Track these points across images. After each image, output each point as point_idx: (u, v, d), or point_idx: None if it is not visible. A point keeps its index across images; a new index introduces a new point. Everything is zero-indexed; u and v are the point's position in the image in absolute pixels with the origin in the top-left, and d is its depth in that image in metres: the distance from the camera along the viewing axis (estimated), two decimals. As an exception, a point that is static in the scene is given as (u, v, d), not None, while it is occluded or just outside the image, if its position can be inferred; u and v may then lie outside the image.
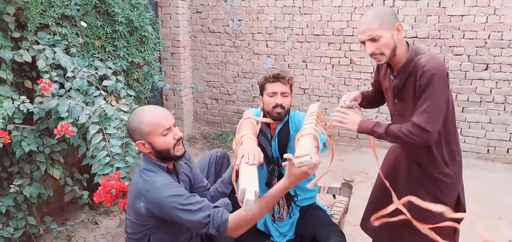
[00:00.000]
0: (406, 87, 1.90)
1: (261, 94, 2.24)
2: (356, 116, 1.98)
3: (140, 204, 1.69)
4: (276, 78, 2.17)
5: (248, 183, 1.54)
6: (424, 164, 1.97)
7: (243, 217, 1.61)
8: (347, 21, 4.66)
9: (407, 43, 1.94)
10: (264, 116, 2.25)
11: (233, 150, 2.03)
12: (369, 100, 2.28)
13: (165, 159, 1.76)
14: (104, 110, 2.46)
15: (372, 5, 4.50)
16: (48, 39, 2.75)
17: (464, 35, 4.25)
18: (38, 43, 2.68)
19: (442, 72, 1.78)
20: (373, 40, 1.84)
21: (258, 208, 1.61)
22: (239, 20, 5.15)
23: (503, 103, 4.28)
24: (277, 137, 2.25)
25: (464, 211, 2.11)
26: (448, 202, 1.97)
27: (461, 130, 4.49)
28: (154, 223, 1.75)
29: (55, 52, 2.66)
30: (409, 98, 1.89)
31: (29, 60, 2.57)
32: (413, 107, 1.85)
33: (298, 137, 1.82)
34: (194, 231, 1.88)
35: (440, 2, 4.28)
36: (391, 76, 2.00)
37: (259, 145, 2.05)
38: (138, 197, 1.70)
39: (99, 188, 2.11)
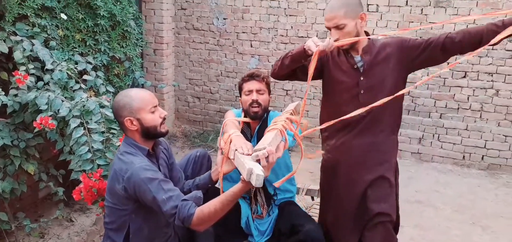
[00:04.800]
0: (380, 59, 2.02)
1: (240, 95, 2.32)
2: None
3: (118, 185, 1.73)
4: (251, 76, 2.28)
5: (252, 164, 1.64)
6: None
7: (206, 213, 1.65)
8: (331, 24, 4.70)
9: (366, 32, 2.06)
10: (245, 116, 2.30)
11: (214, 149, 2.06)
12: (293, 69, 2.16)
13: (151, 137, 1.84)
14: (85, 104, 2.41)
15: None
16: (27, 30, 2.68)
17: (444, 43, 4.34)
18: (16, 34, 2.61)
19: None
20: (338, 28, 1.93)
21: (220, 204, 1.67)
22: (224, 18, 5.13)
23: (479, 111, 4.39)
24: (256, 137, 2.29)
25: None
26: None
27: (438, 136, 4.58)
28: (132, 208, 1.78)
29: (33, 44, 2.60)
30: (389, 66, 2.01)
31: (6, 51, 2.49)
32: (393, 74, 2.01)
33: (265, 132, 1.89)
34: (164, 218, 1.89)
35: (422, 9, 4.36)
36: (355, 57, 2.06)
37: None
38: (116, 179, 1.74)
39: (80, 185, 2.07)
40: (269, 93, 2.33)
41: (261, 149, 1.68)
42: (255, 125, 2.33)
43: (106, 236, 1.91)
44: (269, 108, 2.39)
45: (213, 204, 1.67)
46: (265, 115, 2.33)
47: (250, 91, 2.26)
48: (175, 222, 1.65)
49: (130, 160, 1.73)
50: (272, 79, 2.33)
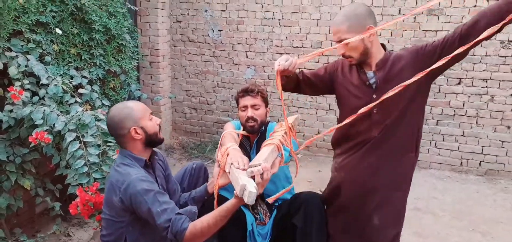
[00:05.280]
0: (393, 74, 1.87)
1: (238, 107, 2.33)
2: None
3: (115, 197, 1.73)
4: (245, 92, 2.27)
5: (246, 180, 1.63)
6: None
7: (199, 229, 1.66)
8: (326, 34, 4.72)
9: (383, 45, 1.95)
10: (244, 129, 2.32)
11: (212, 160, 2.05)
12: (295, 82, 2.13)
13: (153, 144, 1.88)
14: (81, 117, 2.41)
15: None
16: (22, 46, 2.68)
17: (438, 50, 4.37)
18: (11, 50, 2.61)
19: None
20: (342, 42, 1.84)
21: (213, 220, 1.67)
22: (219, 30, 5.15)
23: (475, 117, 4.41)
24: (255, 149, 2.28)
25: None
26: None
27: (435, 143, 4.59)
28: (128, 220, 1.78)
29: (28, 60, 2.60)
30: (402, 79, 1.78)
31: (0, 67, 2.49)
32: (409, 89, 1.79)
33: (261, 147, 1.89)
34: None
35: (415, 18, 4.39)
36: (367, 73, 1.94)
37: None
38: (113, 190, 1.75)
39: (76, 199, 2.06)
40: (266, 105, 2.32)
41: (256, 165, 1.67)
42: (254, 138, 2.33)
43: None
44: (268, 118, 2.38)
45: (206, 219, 1.67)
46: (263, 128, 2.32)
47: (245, 107, 2.26)
48: (167, 235, 1.65)
49: (127, 172, 1.74)
50: (269, 90, 2.32)
